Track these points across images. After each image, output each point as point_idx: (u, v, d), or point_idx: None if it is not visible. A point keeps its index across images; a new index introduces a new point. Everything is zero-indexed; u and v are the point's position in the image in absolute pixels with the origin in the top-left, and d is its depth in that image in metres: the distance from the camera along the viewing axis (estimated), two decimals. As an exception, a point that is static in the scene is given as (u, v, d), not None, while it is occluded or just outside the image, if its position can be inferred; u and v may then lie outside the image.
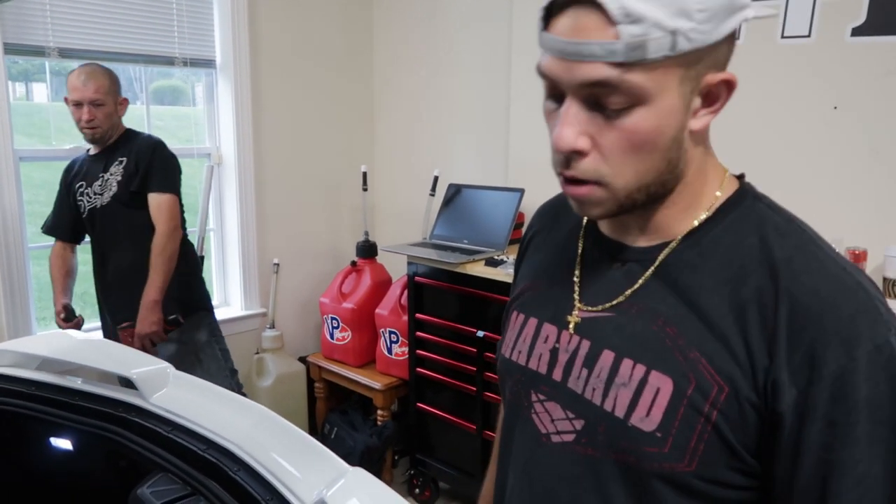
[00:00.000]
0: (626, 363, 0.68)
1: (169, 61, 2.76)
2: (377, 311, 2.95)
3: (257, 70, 2.98)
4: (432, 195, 2.98)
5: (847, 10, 2.03)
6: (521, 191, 2.63)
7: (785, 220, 0.68)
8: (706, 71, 0.62)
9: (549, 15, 0.62)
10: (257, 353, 3.12)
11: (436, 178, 2.97)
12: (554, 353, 0.75)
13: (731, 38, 0.63)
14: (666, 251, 0.69)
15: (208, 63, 2.90)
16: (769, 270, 0.64)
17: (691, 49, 0.59)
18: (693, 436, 0.64)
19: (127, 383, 1.37)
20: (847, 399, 0.59)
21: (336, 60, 3.27)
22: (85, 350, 1.60)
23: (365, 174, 3.12)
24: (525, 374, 0.78)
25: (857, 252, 1.99)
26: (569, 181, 0.66)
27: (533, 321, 0.79)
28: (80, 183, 2.35)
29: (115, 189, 2.28)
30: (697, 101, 0.64)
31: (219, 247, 3.10)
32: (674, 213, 0.70)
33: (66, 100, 2.26)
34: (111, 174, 2.30)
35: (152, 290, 2.23)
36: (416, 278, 2.69)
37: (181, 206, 2.38)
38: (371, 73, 3.43)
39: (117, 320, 2.37)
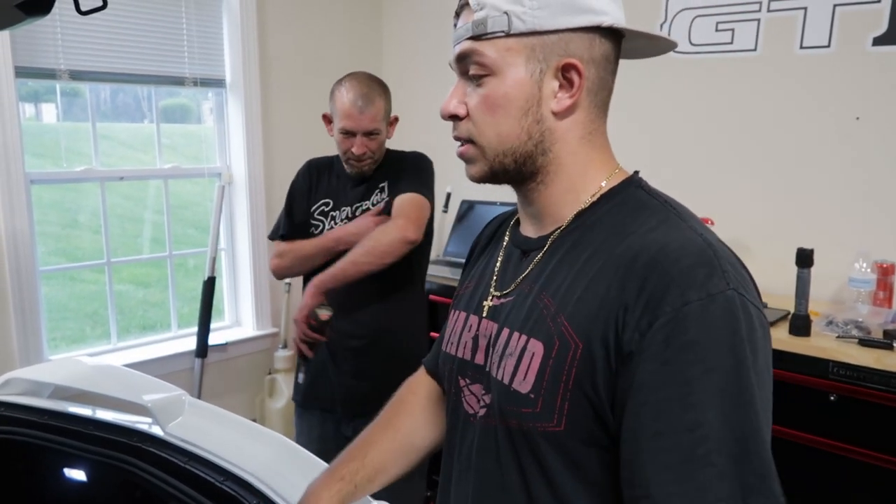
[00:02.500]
0: (514, 336, 0.77)
1: (179, 81, 2.75)
2: (390, 329, 2.90)
3: (267, 88, 2.97)
4: (445, 212, 2.95)
5: (868, 19, 2.00)
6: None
7: (659, 203, 0.77)
8: (556, 57, 0.74)
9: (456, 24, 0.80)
10: (269, 373, 3.08)
11: (448, 195, 2.95)
12: (475, 339, 0.84)
13: (594, 35, 0.74)
14: (555, 234, 0.79)
15: (218, 83, 2.89)
16: (634, 236, 0.71)
17: (527, 31, 0.73)
18: (558, 394, 0.70)
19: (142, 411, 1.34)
20: (678, 341, 0.63)
21: (346, 73, 3.25)
22: (98, 377, 1.57)
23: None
24: (455, 362, 0.87)
25: (884, 265, 1.95)
26: (456, 142, 0.81)
27: (462, 314, 0.89)
28: (325, 201, 1.95)
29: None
30: (555, 84, 0.75)
31: (230, 267, 3.07)
32: (553, 196, 0.79)
33: (324, 117, 1.90)
34: (373, 204, 1.88)
35: (329, 272, 1.77)
36: (430, 296, 2.65)
37: (431, 215, 1.89)
38: (381, 90, 3.41)
39: (350, 401, 1.90)
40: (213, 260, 2.76)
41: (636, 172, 0.82)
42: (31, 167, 2.43)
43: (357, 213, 1.89)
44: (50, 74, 2.41)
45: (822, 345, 1.74)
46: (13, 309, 2.35)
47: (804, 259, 1.79)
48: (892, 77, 1.99)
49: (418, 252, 1.85)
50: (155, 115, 2.80)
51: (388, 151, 1.96)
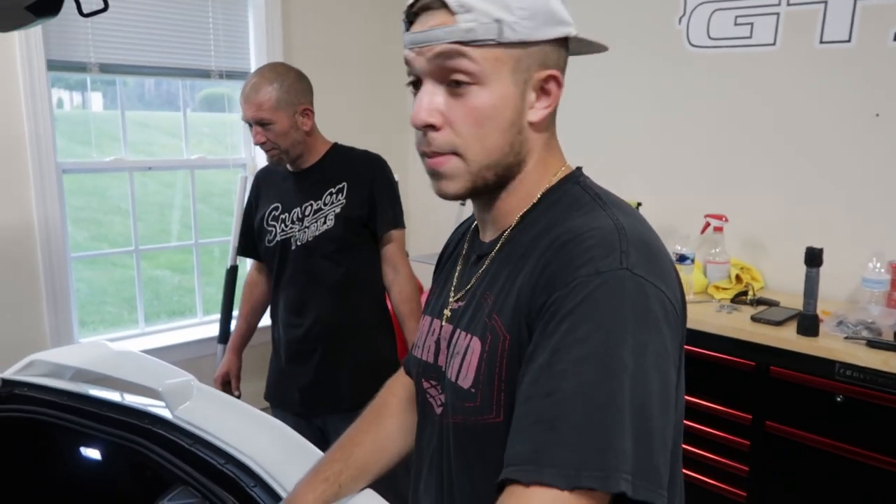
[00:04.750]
0: (461, 335, 0.79)
1: (205, 74, 2.82)
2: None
3: (291, 81, 3.01)
4: (462, 205, 2.97)
5: (889, 14, 1.95)
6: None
7: (590, 196, 0.77)
8: (536, 68, 0.74)
9: (409, 20, 0.76)
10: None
11: (466, 187, 2.97)
12: (437, 343, 0.86)
13: (561, 46, 0.76)
14: (503, 237, 0.80)
15: (243, 75, 2.95)
16: (559, 228, 0.72)
17: (517, 40, 0.72)
18: (494, 386, 0.72)
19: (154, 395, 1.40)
20: (559, 314, 0.65)
21: (370, 69, 3.29)
22: (116, 361, 1.64)
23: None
24: (420, 365, 0.90)
25: (900, 266, 1.91)
26: (427, 156, 0.76)
27: (427, 319, 0.91)
28: (275, 205, 1.94)
29: (330, 224, 1.86)
30: (532, 96, 0.75)
31: (253, 255, 3.14)
32: (513, 202, 0.80)
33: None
34: (325, 204, 1.88)
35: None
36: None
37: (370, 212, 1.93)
38: (404, 81, 3.43)
39: (310, 401, 1.92)
40: (236, 248, 2.83)
41: (579, 168, 0.83)
42: (61, 152, 2.52)
43: (307, 213, 1.87)
44: (81, 67, 2.49)
45: (829, 345, 1.72)
46: (45, 293, 2.45)
47: (813, 258, 1.77)
48: (914, 73, 1.94)
49: (366, 252, 1.91)
50: (182, 104, 2.87)
51: (338, 146, 1.95)
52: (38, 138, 2.37)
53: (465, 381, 0.76)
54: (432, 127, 0.74)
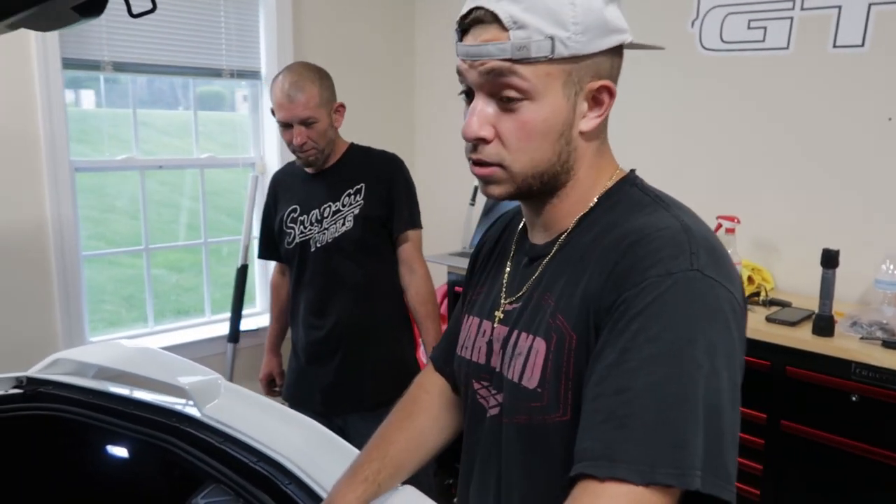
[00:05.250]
0: (522, 336, 0.80)
1: (216, 73, 2.82)
2: (417, 319, 2.96)
3: (301, 81, 3.02)
4: (472, 205, 2.99)
5: (903, 18, 1.98)
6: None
7: (650, 198, 0.78)
8: (588, 79, 0.75)
9: (462, 31, 0.77)
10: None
11: (476, 189, 2.98)
12: (490, 344, 0.87)
13: (615, 54, 0.76)
14: (560, 240, 0.81)
15: (254, 74, 2.96)
16: (622, 230, 0.73)
17: (569, 55, 0.72)
18: (561, 385, 0.73)
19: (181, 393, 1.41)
20: (630, 313, 0.66)
21: (378, 70, 3.30)
22: (139, 359, 1.64)
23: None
24: (469, 365, 0.90)
25: (913, 268, 1.93)
26: (476, 163, 0.79)
27: (475, 320, 0.91)
28: (293, 207, 1.93)
29: (349, 225, 1.86)
30: (584, 106, 0.76)
31: (262, 254, 3.15)
32: (566, 208, 0.81)
33: (272, 111, 1.87)
34: (344, 206, 1.87)
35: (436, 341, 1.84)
36: (457, 288, 2.70)
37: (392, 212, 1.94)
38: (413, 82, 3.46)
39: (331, 401, 1.92)
40: (246, 248, 2.84)
41: (632, 171, 0.84)
42: (72, 153, 2.52)
43: (326, 215, 1.87)
44: (95, 66, 2.50)
45: (845, 346, 1.75)
46: (57, 293, 2.45)
47: (829, 260, 1.80)
48: (926, 78, 1.97)
49: (385, 253, 1.92)
50: (193, 102, 2.88)
51: (355, 147, 1.95)
52: (52, 137, 2.36)
53: (531, 382, 0.77)
54: (483, 140, 0.76)
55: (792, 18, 2.17)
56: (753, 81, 2.30)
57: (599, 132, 0.80)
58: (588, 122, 0.77)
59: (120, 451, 1.46)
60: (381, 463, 0.98)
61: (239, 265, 2.82)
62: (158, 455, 1.37)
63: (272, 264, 2.17)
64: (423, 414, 1.03)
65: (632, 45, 0.78)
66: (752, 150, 2.34)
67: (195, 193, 2.99)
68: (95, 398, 1.46)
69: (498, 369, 0.84)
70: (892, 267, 1.92)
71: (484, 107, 0.76)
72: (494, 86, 0.74)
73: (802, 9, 2.15)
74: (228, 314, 2.87)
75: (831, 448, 1.77)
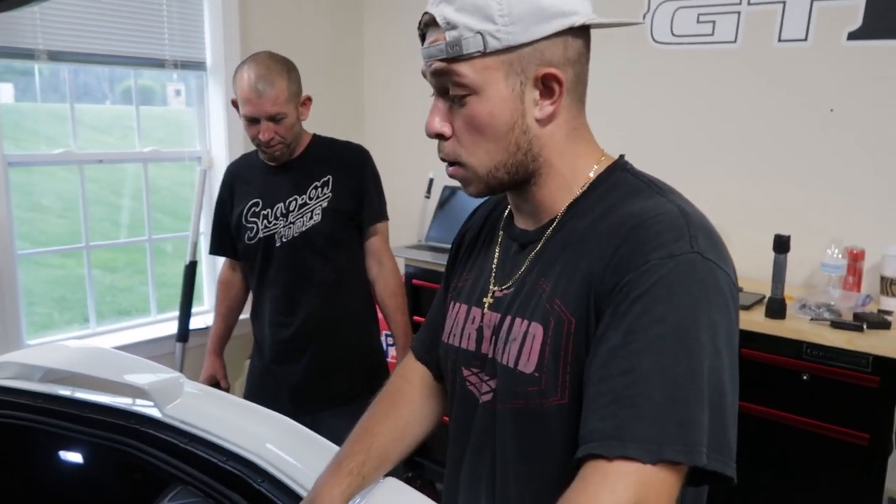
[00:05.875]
0: (517, 322, 0.80)
1: (159, 64, 2.71)
2: (373, 314, 2.93)
3: (248, 72, 2.93)
4: (427, 197, 2.97)
5: (843, 14, 2.06)
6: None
7: (644, 183, 0.79)
8: (534, 68, 0.75)
9: (422, 36, 0.79)
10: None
11: (431, 181, 2.97)
12: (479, 330, 0.87)
13: (570, 37, 0.76)
14: (551, 227, 0.81)
15: (199, 65, 2.85)
16: (619, 214, 0.75)
17: (503, 47, 0.73)
18: (559, 368, 0.74)
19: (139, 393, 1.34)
20: (633, 294, 0.67)
21: (326, 62, 3.24)
22: (90, 360, 1.56)
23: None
24: (458, 353, 0.90)
25: (854, 251, 2.03)
26: (447, 165, 0.81)
27: (463, 307, 0.91)
28: (255, 201, 1.86)
29: (317, 218, 1.81)
30: (535, 94, 0.76)
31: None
32: (549, 193, 0.81)
33: (233, 103, 1.81)
34: (311, 198, 1.82)
35: (408, 337, 1.88)
36: (414, 281, 2.68)
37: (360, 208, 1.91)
38: (362, 75, 3.41)
39: (301, 399, 1.87)
40: (195, 244, 2.74)
41: (622, 156, 0.85)
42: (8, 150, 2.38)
43: (292, 209, 1.81)
44: (28, 55, 2.36)
45: (796, 327, 1.81)
46: (-9, 294, 2.31)
47: (781, 245, 1.86)
48: (865, 71, 2.06)
49: (354, 246, 1.89)
50: (134, 95, 2.75)
51: (318, 138, 1.89)
52: (-17, 129, 2.22)
53: (528, 367, 0.77)
54: (442, 136, 0.79)
55: (739, 13, 2.24)
56: (703, 74, 2.37)
57: (568, 117, 0.79)
58: (542, 111, 0.77)
59: (74, 457, 1.39)
60: (365, 455, 0.96)
61: (187, 262, 2.72)
62: (117, 459, 1.31)
63: (221, 261, 2.10)
64: (406, 405, 1.02)
65: (597, 24, 0.77)
66: (702, 140, 2.41)
67: (127, 190, 2.86)
68: (45, 402, 1.38)
69: (490, 355, 0.84)
70: (836, 251, 2.01)
71: (441, 105, 0.79)
72: (442, 84, 0.77)
73: (749, 4, 2.22)
74: (173, 313, 2.78)
75: (784, 426, 1.83)
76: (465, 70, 0.74)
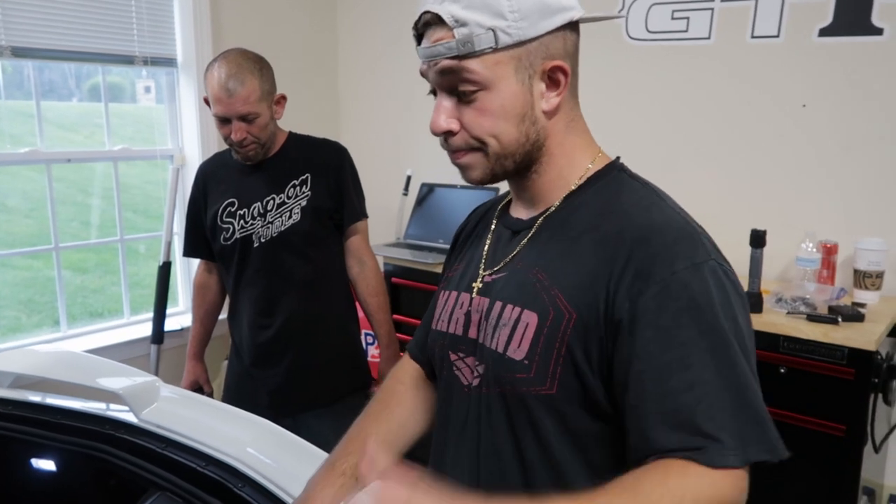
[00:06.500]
0: (508, 308, 0.81)
1: (129, 60, 2.65)
2: (351, 313, 2.90)
3: (221, 69, 2.89)
4: (405, 195, 2.95)
5: (814, 11, 2.09)
6: (496, 190, 2.63)
7: (640, 184, 0.83)
8: (540, 61, 0.78)
9: (419, 35, 0.80)
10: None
11: (409, 178, 2.95)
12: (468, 315, 0.88)
13: (567, 31, 0.79)
14: (545, 215, 0.84)
15: (169, 62, 2.80)
16: (621, 215, 0.78)
17: (514, 42, 0.75)
18: (551, 360, 0.75)
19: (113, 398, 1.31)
20: (671, 308, 0.69)
21: (300, 59, 3.20)
22: (61, 365, 1.52)
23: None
24: (446, 338, 0.91)
25: (828, 245, 2.06)
26: (451, 152, 0.83)
27: (453, 294, 0.92)
28: (230, 201, 1.81)
29: (296, 217, 1.78)
30: (542, 86, 0.79)
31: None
32: (546, 183, 0.84)
33: (205, 101, 1.75)
34: (289, 197, 1.78)
35: (390, 337, 1.90)
36: (393, 279, 2.66)
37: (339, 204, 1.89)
38: (336, 71, 3.38)
39: (281, 402, 1.83)
40: (168, 244, 2.69)
41: (618, 158, 0.87)
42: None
43: (269, 208, 1.77)
44: (-10, 50, 2.29)
45: (773, 320, 1.84)
46: (-44, 297, 2.24)
47: (757, 240, 1.89)
48: (835, 67, 2.09)
49: (333, 245, 1.87)
50: (102, 92, 2.69)
51: (294, 136, 1.86)
52: (-55, 127, 2.15)
53: (517, 353, 0.78)
54: (450, 132, 0.80)
55: (713, 10, 2.26)
56: (678, 70, 2.38)
57: (568, 109, 0.82)
58: (548, 102, 0.80)
59: (47, 465, 1.35)
60: (358, 456, 0.95)
61: (161, 262, 2.67)
62: (91, 466, 1.28)
63: (196, 261, 2.05)
64: (400, 406, 1.02)
65: (586, 19, 0.80)
66: (676, 136, 2.43)
67: (102, 189, 2.80)
68: (14, 409, 1.34)
69: (481, 340, 0.85)
70: (811, 246, 2.04)
71: (446, 103, 0.80)
72: (450, 82, 0.78)
73: (722, 1, 2.24)
74: (146, 315, 2.72)
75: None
76: (476, 66, 0.75)
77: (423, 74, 0.81)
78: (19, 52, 2.35)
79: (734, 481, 0.65)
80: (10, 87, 2.57)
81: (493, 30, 0.74)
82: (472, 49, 0.75)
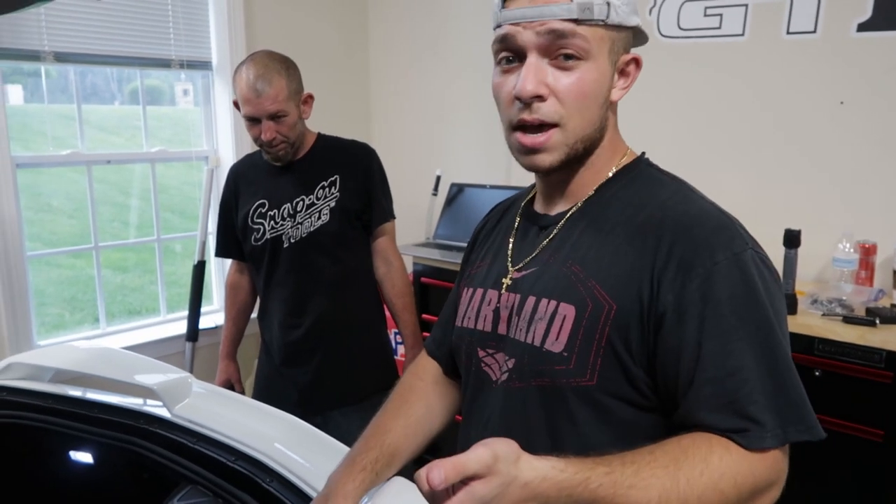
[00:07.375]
0: (543, 302, 0.82)
1: (165, 64, 2.72)
2: (382, 312, 2.93)
3: (255, 71, 2.93)
4: (435, 195, 2.96)
5: (852, 5, 2.04)
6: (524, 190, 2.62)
7: (669, 178, 0.85)
8: (622, 50, 0.81)
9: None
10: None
11: (438, 178, 2.96)
12: (496, 312, 0.89)
13: (636, 31, 0.83)
14: (574, 209, 0.85)
15: (204, 65, 2.86)
16: (657, 207, 0.79)
17: (616, 23, 0.78)
18: (591, 351, 0.76)
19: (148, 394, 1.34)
20: (714, 297, 0.72)
21: (332, 60, 3.24)
22: (99, 361, 1.57)
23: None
24: (474, 335, 0.92)
25: (867, 246, 2.01)
26: (528, 131, 0.79)
27: (479, 291, 0.93)
28: (261, 202, 1.85)
29: (325, 218, 1.80)
30: (616, 76, 0.82)
31: (218, 251, 3.05)
32: (589, 176, 0.85)
33: (235, 104, 1.80)
34: (318, 198, 1.81)
35: (416, 336, 1.91)
36: (422, 279, 2.68)
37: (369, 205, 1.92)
38: (367, 72, 3.40)
39: (310, 400, 1.85)
40: (203, 244, 2.75)
41: (643, 153, 0.89)
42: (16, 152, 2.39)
43: (299, 209, 1.80)
44: (34, 56, 2.36)
45: (808, 322, 1.80)
46: (2, 295, 2.32)
47: (792, 240, 1.85)
48: (875, 63, 2.04)
49: (362, 245, 1.89)
50: (141, 95, 2.76)
51: (323, 137, 1.88)
52: (-9, 131, 2.23)
53: (556, 346, 0.79)
54: (540, 97, 0.78)
55: (747, 6, 2.22)
56: (711, 68, 2.34)
57: (617, 106, 0.86)
58: (618, 93, 0.83)
59: (84, 457, 1.39)
60: (378, 451, 0.97)
61: (196, 261, 2.73)
62: (126, 459, 1.31)
63: (229, 261, 2.07)
64: (419, 401, 1.03)
65: (640, 31, 0.85)
66: (710, 134, 2.39)
67: (133, 190, 2.86)
68: (55, 402, 1.38)
69: (513, 336, 0.85)
70: (848, 246, 1.99)
71: (538, 66, 0.78)
72: (553, 46, 0.77)
73: (757, -4, 2.20)
74: (182, 313, 2.78)
75: (796, 422, 1.81)
76: (589, 34, 0.77)
77: (504, 38, 0.79)
78: (61, 58, 2.42)
79: (772, 463, 0.69)
80: (54, 90, 2.66)
81: (609, 4, 0.76)
82: (591, 16, 0.76)
